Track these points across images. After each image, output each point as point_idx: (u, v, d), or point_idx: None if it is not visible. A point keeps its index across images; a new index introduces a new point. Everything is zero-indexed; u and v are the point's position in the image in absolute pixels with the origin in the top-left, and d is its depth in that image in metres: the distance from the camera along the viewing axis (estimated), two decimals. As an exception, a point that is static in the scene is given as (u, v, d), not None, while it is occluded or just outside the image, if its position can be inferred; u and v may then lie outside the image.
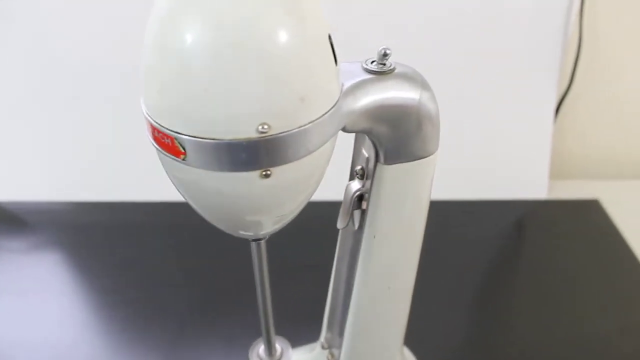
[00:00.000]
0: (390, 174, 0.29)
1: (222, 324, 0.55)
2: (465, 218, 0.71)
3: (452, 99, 0.69)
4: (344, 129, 0.26)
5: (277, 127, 0.21)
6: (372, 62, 0.27)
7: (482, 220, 0.70)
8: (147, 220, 0.70)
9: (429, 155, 0.29)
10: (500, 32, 0.67)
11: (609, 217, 0.70)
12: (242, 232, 0.28)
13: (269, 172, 0.22)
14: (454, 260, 0.64)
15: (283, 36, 0.21)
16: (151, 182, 0.62)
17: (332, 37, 0.23)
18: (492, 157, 0.73)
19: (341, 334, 0.38)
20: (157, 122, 0.23)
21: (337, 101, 0.24)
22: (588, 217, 0.71)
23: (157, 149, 0.24)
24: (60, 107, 0.71)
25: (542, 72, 0.69)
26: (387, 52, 0.26)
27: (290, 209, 0.26)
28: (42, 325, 0.55)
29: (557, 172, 0.77)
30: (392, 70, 0.27)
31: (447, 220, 0.69)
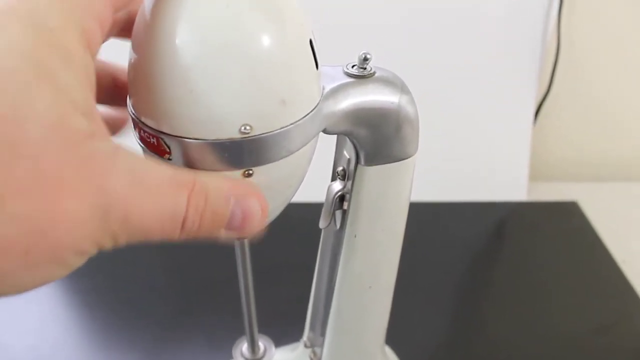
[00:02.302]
0: (371, 175, 0.29)
1: (205, 322, 0.56)
2: (445, 220, 0.72)
3: (432, 103, 0.70)
4: (325, 131, 0.27)
5: (259, 128, 0.22)
6: (353, 66, 0.28)
7: (462, 222, 0.71)
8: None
9: (408, 157, 0.30)
10: (479, 36, 0.68)
11: (587, 219, 0.72)
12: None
13: (251, 172, 0.23)
14: (434, 261, 0.64)
15: (265, 41, 0.21)
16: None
17: (314, 42, 0.24)
18: (472, 159, 0.75)
19: (323, 333, 0.39)
20: (142, 122, 0.23)
21: (318, 104, 0.24)
22: (567, 219, 0.73)
23: (142, 148, 0.24)
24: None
25: (522, 76, 0.71)
26: (368, 56, 0.27)
27: (273, 207, 0.27)
28: (23, 327, 0.55)
29: (536, 174, 0.79)
30: (373, 74, 0.27)
31: (427, 221, 0.70)
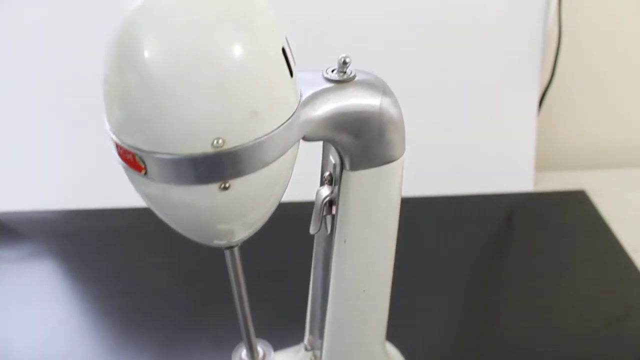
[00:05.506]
0: (357, 180, 0.29)
1: (212, 325, 0.56)
2: (453, 213, 0.71)
3: (435, 95, 0.70)
4: (305, 138, 0.26)
5: (231, 141, 0.22)
6: (333, 70, 0.27)
7: (469, 215, 0.71)
8: (137, 225, 0.70)
9: (394, 160, 0.29)
10: (480, 28, 0.67)
11: (595, 207, 0.71)
12: (215, 242, 0.28)
13: (227, 185, 0.23)
14: (441, 255, 0.64)
15: (233, 53, 0.21)
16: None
17: (288, 49, 0.24)
18: (477, 151, 0.74)
19: (321, 335, 0.39)
20: (117, 138, 0.23)
21: (295, 112, 0.24)
22: (575, 208, 0.72)
23: (121, 164, 0.24)
24: (49, 117, 0.71)
25: (524, 65, 0.70)
26: (347, 60, 0.27)
27: (256, 217, 0.27)
28: (34, 333, 0.56)
29: (543, 164, 0.78)
30: (353, 78, 0.27)
31: (434, 215, 0.69)
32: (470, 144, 0.74)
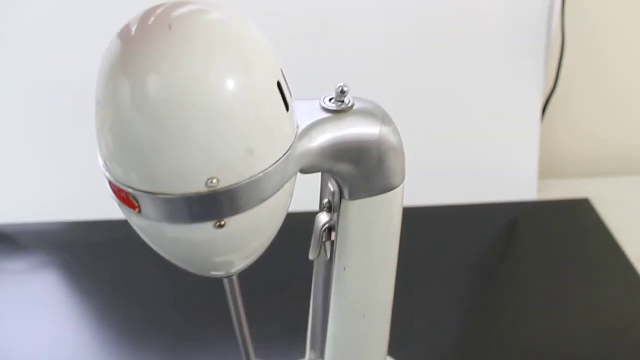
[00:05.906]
0: (355, 209, 0.29)
1: (214, 339, 0.56)
2: (456, 222, 0.70)
3: (438, 104, 0.69)
4: (302, 171, 0.26)
5: (226, 180, 0.21)
6: (331, 99, 0.27)
7: (472, 224, 0.70)
8: (139, 236, 0.70)
9: (394, 188, 0.29)
10: (483, 34, 0.67)
11: (599, 215, 0.70)
12: (212, 273, 0.28)
13: (223, 223, 0.22)
14: (445, 265, 0.64)
15: (226, 91, 0.20)
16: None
17: (283, 81, 0.23)
18: (480, 160, 0.73)
19: (322, 354, 0.38)
20: (110, 176, 0.23)
21: (291, 146, 0.24)
22: (578, 216, 0.71)
23: (115, 200, 0.24)
24: (49, 129, 0.71)
25: (527, 72, 0.69)
26: (345, 89, 0.26)
27: (254, 249, 0.26)
28: (36, 344, 0.56)
29: (546, 172, 0.77)
30: (351, 107, 0.26)
31: (437, 225, 0.69)
32: (473, 152, 0.73)
